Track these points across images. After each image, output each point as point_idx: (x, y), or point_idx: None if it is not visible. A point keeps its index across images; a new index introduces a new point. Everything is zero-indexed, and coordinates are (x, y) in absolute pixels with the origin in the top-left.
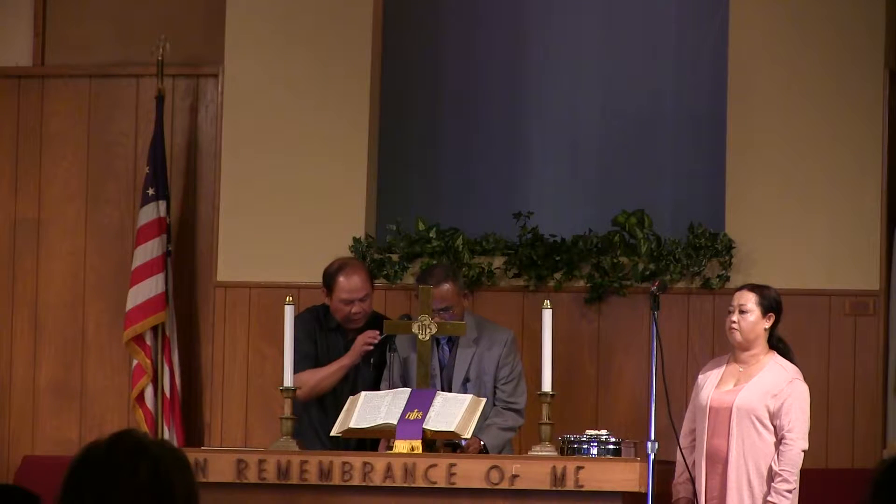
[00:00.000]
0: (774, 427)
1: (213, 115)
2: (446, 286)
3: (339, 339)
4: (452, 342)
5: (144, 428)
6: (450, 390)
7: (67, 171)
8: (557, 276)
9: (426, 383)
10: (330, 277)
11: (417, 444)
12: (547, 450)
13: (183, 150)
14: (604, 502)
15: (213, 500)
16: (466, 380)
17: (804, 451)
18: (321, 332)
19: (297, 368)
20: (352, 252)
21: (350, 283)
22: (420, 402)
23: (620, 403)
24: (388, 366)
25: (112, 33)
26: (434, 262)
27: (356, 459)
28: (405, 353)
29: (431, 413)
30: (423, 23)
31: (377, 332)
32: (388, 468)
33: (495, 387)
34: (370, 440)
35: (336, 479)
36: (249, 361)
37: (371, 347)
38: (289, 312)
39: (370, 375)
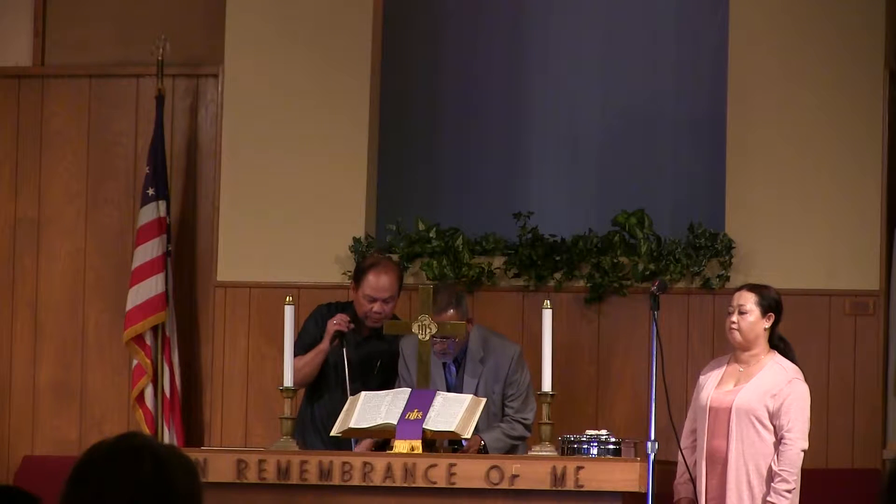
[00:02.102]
0: (774, 427)
1: (213, 115)
2: (450, 313)
3: (352, 336)
4: (458, 363)
5: (144, 428)
6: None
7: (67, 171)
8: (557, 276)
9: (426, 383)
10: (361, 271)
11: (417, 444)
12: (547, 450)
13: (183, 150)
14: (604, 502)
15: (213, 500)
16: None
17: (804, 450)
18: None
19: (294, 354)
20: (352, 252)
21: (378, 282)
22: (420, 402)
23: (620, 403)
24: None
25: (112, 33)
26: (439, 284)
27: (356, 459)
28: (410, 368)
29: (431, 413)
30: (423, 23)
31: (347, 317)
32: (388, 468)
33: (504, 403)
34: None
35: (336, 479)
36: (249, 361)
37: (342, 329)
38: (289, 312)
39: (360, 358)
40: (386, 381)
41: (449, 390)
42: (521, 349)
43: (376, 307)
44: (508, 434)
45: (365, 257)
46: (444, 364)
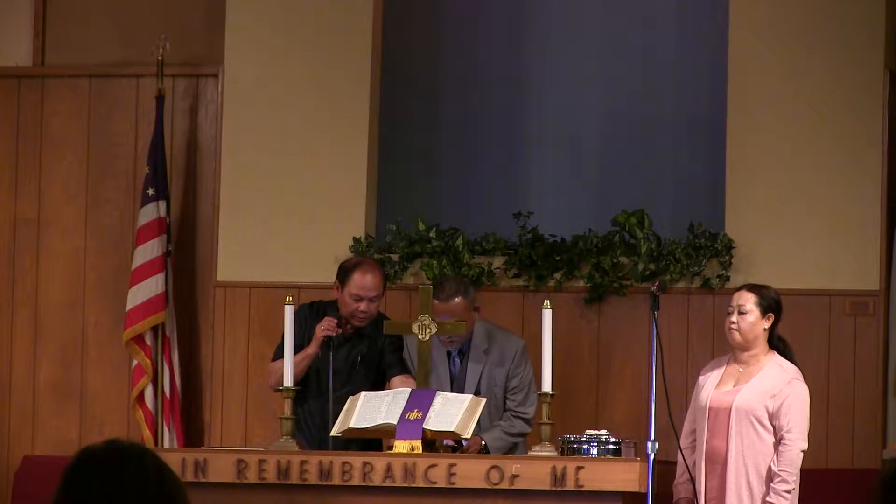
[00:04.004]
0: (774, 427)
1: (213, 115)
2: (456, 300)
3: (336, 338)
4: (463, 354)
5: (144, 428)
6: None
7: (67, 171)
8: (557, 276)
9: (426, 383)
10: (346, 271)
11: (417, 444)
12: (547, 450)
13: (183, 150)
14: (604, 502)
15: (213, 500)
16: (477, 392)
17: (803, 451)
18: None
19: (275, 357)
20: (352, 252)
21: (364, 281)
22: (420, 402)
23: (620, 403)
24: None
25: (112, 33)
26: (446, 275)
27: (356, 459)
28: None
29: (431, 413)
30: (423, 23)
31: (334, 321)
32: (388, 468)
33: (505, 397)
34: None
35: (336, 479)
36: (249, 361)
37: (331, 333)
38: (289, 312)
39: (341, 358)
40: (367, 372)
41: (452, 380)
42: (525, 344)
43: (363, 306)
44: (508, 432)
45: (347, 259)
46: (449, 355)
